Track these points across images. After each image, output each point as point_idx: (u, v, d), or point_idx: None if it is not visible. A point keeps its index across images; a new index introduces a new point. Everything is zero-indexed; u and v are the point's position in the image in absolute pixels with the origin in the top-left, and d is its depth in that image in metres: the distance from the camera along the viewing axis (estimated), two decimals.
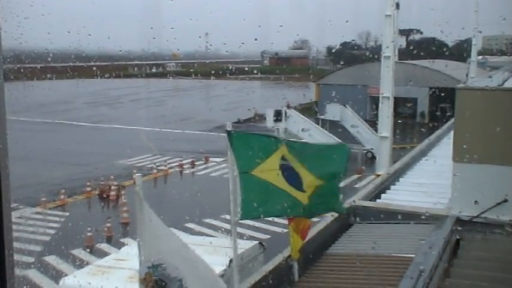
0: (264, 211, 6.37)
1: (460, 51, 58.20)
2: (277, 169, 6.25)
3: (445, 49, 64.24)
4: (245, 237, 15.88)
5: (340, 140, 36.19)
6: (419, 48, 71.37)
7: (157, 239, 4.87)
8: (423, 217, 8.30)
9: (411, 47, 75.72)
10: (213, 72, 75.07)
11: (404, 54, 55.11)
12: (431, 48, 65.17)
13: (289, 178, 6.31)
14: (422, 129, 43.49)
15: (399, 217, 8.74)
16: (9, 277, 1.50)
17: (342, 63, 71.07)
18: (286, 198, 6.34)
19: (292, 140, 7.10)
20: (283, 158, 6.33)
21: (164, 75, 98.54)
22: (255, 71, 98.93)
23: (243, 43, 19.94)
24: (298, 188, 6.37)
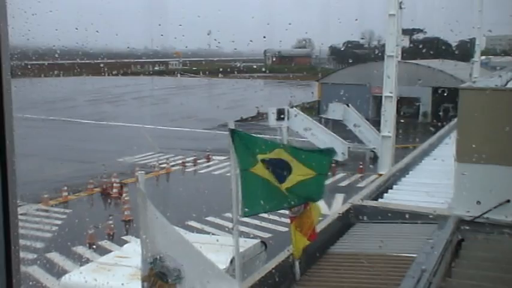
0: (264, 207, 6.42)
1: (463, 51, 58.06)
2: (266, 165, 6.31)
3: (448, 48, 64.12)
4: (251, 236, 15.88)
5: (342, 139, 36.30)
6: (423, 47, 71.22)
7: (159, 236, 4.87)
8: (426, 217, 8.30)
9: (416, 46, 75.56)
10: (221, 69, 74.93)
11: (407, 53, 54.94)
12: (435, 48, 65.04)
13: (275, 172, 6.36)
14: (426, 129, 43.40)
15: (401, 217, 8.74)
16: (15, 273, 1.52)
17: (350, 61, 70.84)
18: (277, 193, 6.40)
19: (287, 144, 7.23)
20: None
21: (168, 73, 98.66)
22: (264, 69, 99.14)
23: (251, 40, 19.95)
24: (282, 181, 6.43)
